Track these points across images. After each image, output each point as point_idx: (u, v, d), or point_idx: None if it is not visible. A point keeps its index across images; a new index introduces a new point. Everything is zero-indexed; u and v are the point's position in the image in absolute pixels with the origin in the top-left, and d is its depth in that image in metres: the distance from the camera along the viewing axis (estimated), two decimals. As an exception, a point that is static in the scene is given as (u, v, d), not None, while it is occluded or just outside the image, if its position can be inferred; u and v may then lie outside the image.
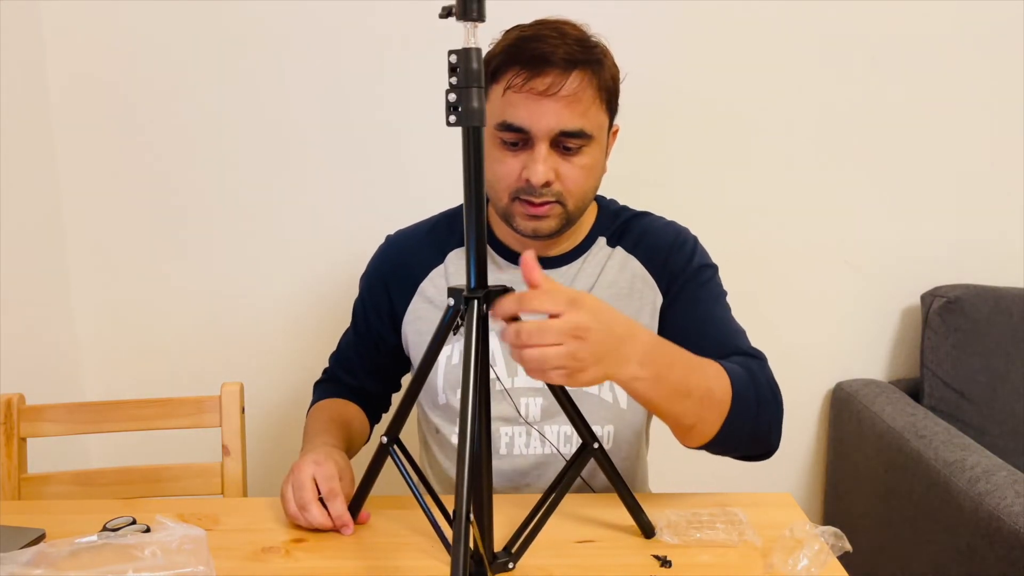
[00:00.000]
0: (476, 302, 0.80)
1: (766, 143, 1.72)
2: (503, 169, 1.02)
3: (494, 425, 1.08)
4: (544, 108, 0.98)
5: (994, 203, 1.73)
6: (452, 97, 0.77)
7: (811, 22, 1.66)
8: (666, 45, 1.67)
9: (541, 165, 0.99)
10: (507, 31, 1.03)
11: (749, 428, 0.96)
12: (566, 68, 0.98)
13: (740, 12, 1.65)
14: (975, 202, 1.73)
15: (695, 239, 1.15)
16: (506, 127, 1.00)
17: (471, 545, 0.76)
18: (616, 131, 1.11)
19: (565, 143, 1.00)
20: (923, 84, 1.69)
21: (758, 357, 1.04)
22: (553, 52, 0.97)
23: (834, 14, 1.66)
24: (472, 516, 0.75)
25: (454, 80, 0.77)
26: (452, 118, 0.78)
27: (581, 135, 1.00)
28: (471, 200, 0.80)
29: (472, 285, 0.82)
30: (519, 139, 1.00)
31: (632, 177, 1.69)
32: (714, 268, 1.13)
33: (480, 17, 0.75)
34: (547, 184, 1.00)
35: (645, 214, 1.17)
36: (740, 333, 1.07)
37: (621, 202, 1.19)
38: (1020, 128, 1.70)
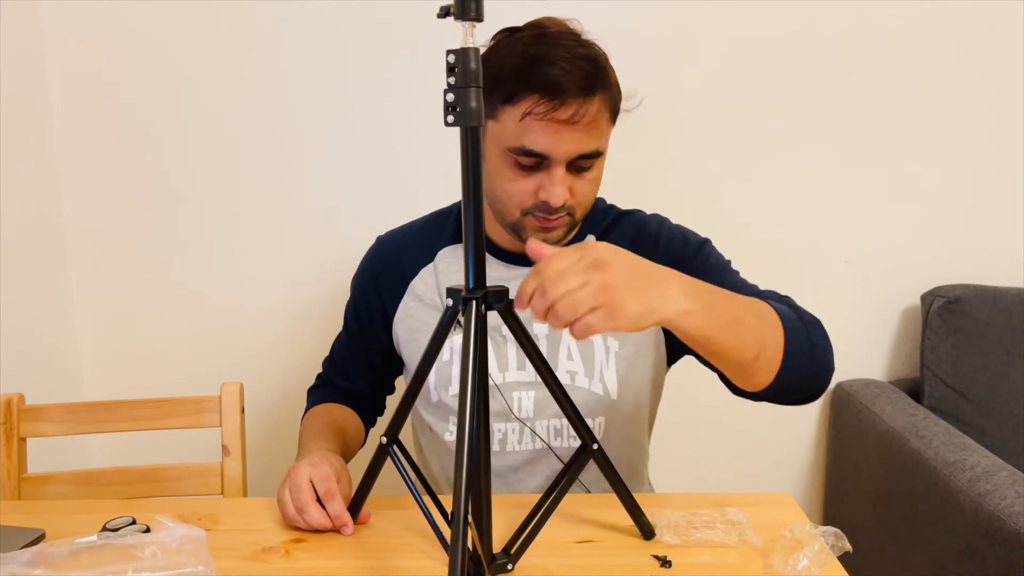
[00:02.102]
0: (475, 302, 0.80)
1: (767, 144, 1.72)
2: (516, 187, 1.01)
3: None
4: (564, 135, 0.97)
5: (994, 203, 1.73)
6: (450, 97, 0.77)
7: (813, 24, 1.66)
8: (667, 46, 1.67)
9: (559, 187, 0.99)
10: (504, 38, 1.01)
11: (807, 351, 0.92)
12: (586, 96, 0.97)
13: (742, 13, 1.65)
14: (975, 202, 1.73)
15: (679, 226, 1.15)
16: (525, 152, 0.99)
17: (469, 546, 0.76)
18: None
19: (581, 164, 1.01)
20: (924, 85, 1.69)
21: (786, 298, 1.03)
22: (570, 78, 0.96)
23: (835, 16, 1.65)
24: (470, 517, 0.75)
25: (452, 80, 0.77)
26: (450, 118, 0.77)
27: (596, 155, 1.01)
28: (469, 200, 0.80)
29: (471, 285, 0.82)
30: (536, 163, 1.00)
31: (633, 177, 1.69)
32: (708, 242, 1.12)
33: (478, 17, 0.75)
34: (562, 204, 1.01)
35: (631, 212, 1.17)
36: (757, 289, 1.07)
37: (622, 201, 1.20)
38: (1020, 129, 1.70)
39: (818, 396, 0.98)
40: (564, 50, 0.97)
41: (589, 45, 1.01)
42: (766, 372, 0.90)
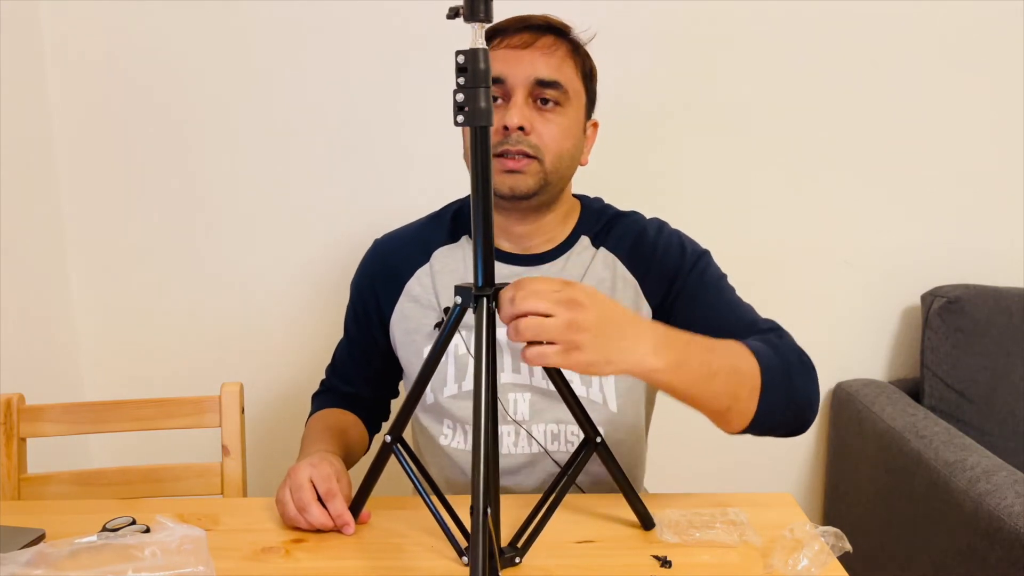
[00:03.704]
0: (485, 299, 0.81)
1: (766, 144, 1.72)
2: None
3: None
4: (520, 57, 1.03)
5: (994, 203, 1.73)
6: (460, 97, 0.77)
7: (812, 24, 1.66)
8: (666, 46, 1.67)
9: (516, 110, 1.02)
10: (490, 28, 1.07)
11: (784, 397, 0.95)
12: (542, 29, 1.05)
13: (741, 13, 1.65)
14: (975, 202, 1.73)
15: (679, 232, 1.14)
16: None
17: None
18: (596, 125, 1.13)
19: (541, 94, 1.04)
20: (923, 85, 1.69)
21: (775, 329, 1.04)
22: (530, 18, 1.05)
23: (835, 16, 1.65)
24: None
25: (461, 80, 0.77)
26: (460, 118, 0.78)
27: (556, 86, 1.04)
28: (479, 199, 0.80)
29: (480, 283, 0.82)
30: (497, 93, 1.04)
31: (633, 178, 1.70)
32: (707, 254, 1.13)
33: (487, 18, 0.76)
34: (523, 130, 1.02)
35: (628, 214, 1.16)
36: (750, 310, 1.08)
37: (623, 201, 1.19)
38: (1020, 128, 1.70)
39: (802, 431, 1.01)
40: (539, 12, 1.07)
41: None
42: (739, 420, 0.94)
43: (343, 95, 1.69)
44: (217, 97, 1.69)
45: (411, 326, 1.14)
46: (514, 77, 1.02)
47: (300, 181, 1.72)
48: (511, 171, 1.03)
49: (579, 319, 0.78)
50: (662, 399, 1.20)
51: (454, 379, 1.10)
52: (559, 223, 1.12)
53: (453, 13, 0.77)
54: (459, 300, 0.83)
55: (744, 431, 0.96)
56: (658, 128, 1.70)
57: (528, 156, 1.03)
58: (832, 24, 1.66)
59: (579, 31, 1.09)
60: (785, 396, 0.95)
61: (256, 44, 1.67)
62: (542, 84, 1.03)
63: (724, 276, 1.12)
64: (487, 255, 0.81)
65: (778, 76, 1.69)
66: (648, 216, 1.17)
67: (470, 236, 1.14)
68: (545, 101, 1.04)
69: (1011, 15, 1.65)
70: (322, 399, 1.25)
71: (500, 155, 1.03)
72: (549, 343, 0.78)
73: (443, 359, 1.10)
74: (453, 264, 1.13)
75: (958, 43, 1.67)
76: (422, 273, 1.14)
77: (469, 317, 0.83)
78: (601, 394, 1.09)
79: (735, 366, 0.92)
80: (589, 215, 1.15)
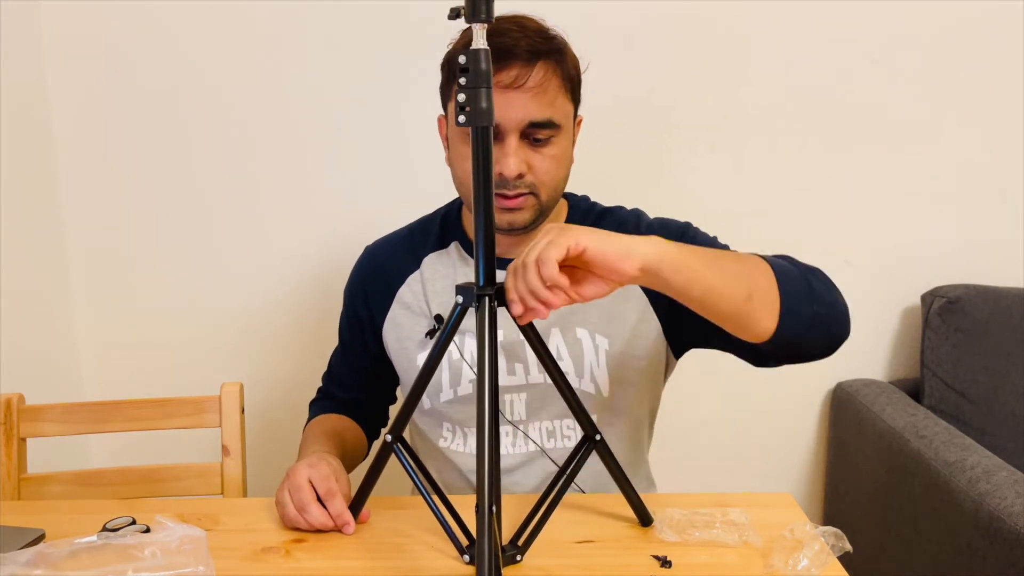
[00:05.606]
0: (488, 299, 0.81)
1: (766, 144, 1.72)
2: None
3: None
4: (512, 100, 0.98)
5: (994, 204, 1.73)
6: (461, 97, 0.77)
7: (812, 22, 1.66)
8: (665, 46, 1.67)
9: (512, 158, 0.99)
10: (464, 31, 1.03)
11: (805, 290, 0.90)
12: (530, 59, 0.98)
13: (739, 12, 1.65)
14: (975, 202, 1.73)
15: (658, 218, 1.13)
16: None
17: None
18: (580, 121, 1.10)
19: (534, 134, 1.00)
20: (923, 84, 1.69)
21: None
22: (516, 44, 0.98)
23: (835, 14, 1.65)
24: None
25: (463, 80, 0.77)
26: (461, 118, 0.78)
27: (550, 125, 1.00)
28: (480, 198, 0.81)
29: (481, 283, 0.82)
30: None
31: (632, 177, 1.70)
32: (689, 224, 1.11)
33: (489, 19, 0.76)
34: (520, 176, 1.00)
35: (612, 210, 1.15)
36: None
37: (621, 202, 1.19)
38: (1020, 128, 1.70)
39: (839, 342, 0.96)
40: (516, 25, 1.00)
41: (544, 25, 1.02)
42: (767, 314, 0.88)
43: (345, 95, 1.69)
44: (218, 97, 1.69)
45: (403, 333, 1.14)
46: (507, 121, 0.98)
47: (301, 180, 1.72)
48: (508, 209, 1.02)
49: (571, 227, 0.80)
50: (667, 395, 1.20)
51: (449, 385, 1.10)
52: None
53: (454, 14, 0.77)
54: (460, 300, 0.83)
55: (777, 335, 0.88)
56: (657, 128, 1.70)
57: (525, 194, 1.02)
58: (832, 23, 1.66)
59: (555, 26, 1.03)
60: (805, 287, 0.91)
61: (257, 44, 1.67)
62: (535, 125, 0.99)
63: (715, 237, 1.10)
64: (488, 254, 0.82)
65: (778, 76, 1.68)
66: (630, 207, 1.16)
67: (459, 242, 1.14)
68: (538, 139, 1.01)
69: (1011, 15, 1.65)
70: (319, 406, 1.25)
71: (497, 194, 1.01)
72: (549, 244, 0.78)
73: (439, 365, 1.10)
74: (443, 271, 1.13)
75: (958, 43, 1.67)
76: (412, 280, 1.14)
77: (463, 322, 0.83)
78: (593, 383, 1.09)
79: (740, 257, 0.90)
80: (576, 215, 1.14)
